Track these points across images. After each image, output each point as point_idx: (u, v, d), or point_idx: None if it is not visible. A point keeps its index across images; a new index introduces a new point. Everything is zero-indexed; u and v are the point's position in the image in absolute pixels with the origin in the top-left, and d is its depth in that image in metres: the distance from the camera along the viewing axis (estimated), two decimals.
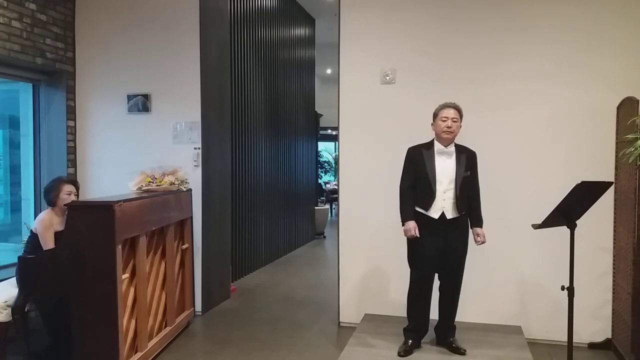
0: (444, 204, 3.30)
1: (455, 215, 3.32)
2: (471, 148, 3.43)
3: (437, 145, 3.37)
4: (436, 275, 3.46)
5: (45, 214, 3.51)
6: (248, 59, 6.27)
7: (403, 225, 3.35)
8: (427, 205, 3.31)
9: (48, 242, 3.39)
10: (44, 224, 3.42)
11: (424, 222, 3.31)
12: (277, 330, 4.24)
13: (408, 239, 3.40)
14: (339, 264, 4.35)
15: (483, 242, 3.38)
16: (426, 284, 3.43)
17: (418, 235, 3.27)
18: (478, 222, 3.39)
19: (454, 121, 3.32)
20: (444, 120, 3.32)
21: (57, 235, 3.45)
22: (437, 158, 3.35)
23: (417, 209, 3.36)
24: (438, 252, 3.33)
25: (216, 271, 4.96)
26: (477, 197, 3.42)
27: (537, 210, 3.18)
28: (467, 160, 3.36)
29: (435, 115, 3.39)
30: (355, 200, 4.26)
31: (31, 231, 3.49)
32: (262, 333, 4.17)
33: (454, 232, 3.33)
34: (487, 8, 3.99)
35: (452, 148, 3.36)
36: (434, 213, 3.30)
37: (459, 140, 3.41)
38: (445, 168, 3.33)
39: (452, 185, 3.30)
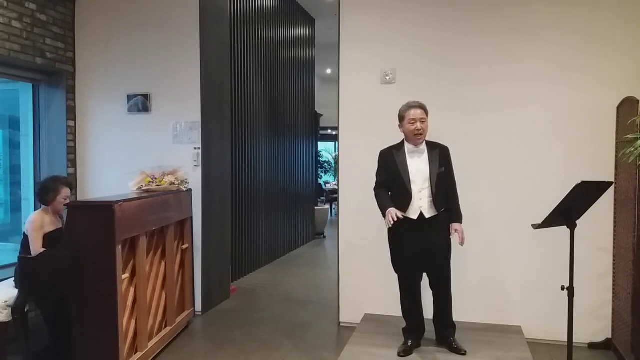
0: (421, 204, 3.26)
1: (433, 214, 3.27)
2: (445, 144, 3.35)
3: (408, 145, 3.34)
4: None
5: (37, 214, 3.45)
6: (248, 59, 6.27)
7: (384, 216, 3.24)
8: (405, 206, 3.25)
9: (35, 244, 3.33)
10: (35, 225, 3.36)
11: (404, 224, 3.23)
12: (277, 330, 4.24)
13: (390, 242, 3.38)
14: (339, 264, 4.35)
15: (461, 239, 3.28)
16: (413, 285, 3.41)
17: (401, 217, 3.17)
18: (456, 218, 3.34)
19: (422, 121, 3.28)
20: (412, 123, 3.27)
21: (48, 236, 3.40)
22: (409, 158, 3.31)
23: None
24: (421, 253, 3.29)
25: (216, 271, 4.96)
26: (454, 193, 3.36)
27: (537, 210, 3.17)
28: (440, 156, 3.32)
29: (402, 117, 3.34)
30: (355, 200, 4.26)
31: (24, 233, 3.43)
32: (262, 333, 4.17)
33: (434, 231, 3.28)
34: (487, 8, 3.99)
35: (422, 146, 3.33)
36: (412, 214, 3.26)
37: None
38: (418, 167, 3.29)
39: (427, 184, 3.26)
